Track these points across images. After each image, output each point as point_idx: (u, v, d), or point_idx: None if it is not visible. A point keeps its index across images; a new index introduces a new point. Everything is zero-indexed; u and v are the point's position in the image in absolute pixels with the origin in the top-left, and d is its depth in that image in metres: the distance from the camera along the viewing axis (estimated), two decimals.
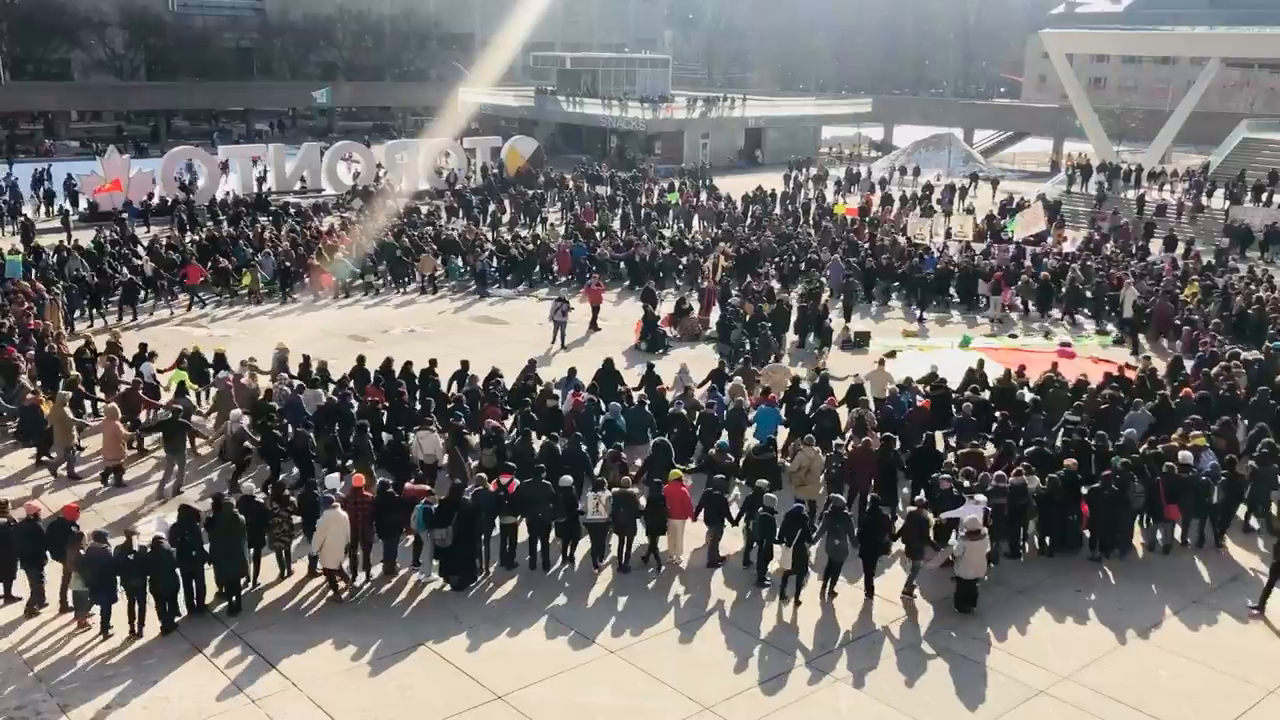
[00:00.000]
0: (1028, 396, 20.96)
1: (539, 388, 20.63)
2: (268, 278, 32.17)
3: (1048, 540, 16.79)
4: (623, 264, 35.15)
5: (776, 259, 35.16)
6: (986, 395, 20.94)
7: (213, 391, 21.32)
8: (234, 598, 14.74)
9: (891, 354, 26.19)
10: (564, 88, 77.06)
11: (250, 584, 15.26)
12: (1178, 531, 17.21)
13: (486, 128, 70.74)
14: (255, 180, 49.41)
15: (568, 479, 16.20)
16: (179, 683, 13.12)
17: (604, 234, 39.78)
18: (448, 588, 15.44)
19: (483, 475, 16.40)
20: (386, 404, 19.84)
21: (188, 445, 18.90)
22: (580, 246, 36.21)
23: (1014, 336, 29.36)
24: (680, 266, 34.88)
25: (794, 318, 28.19)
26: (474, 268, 34.24)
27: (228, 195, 46.09)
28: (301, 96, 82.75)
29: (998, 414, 19.78)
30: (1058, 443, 18.62)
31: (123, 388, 21.17)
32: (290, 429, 18.70)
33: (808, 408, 20.34)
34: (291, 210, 43.29)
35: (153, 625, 14.13)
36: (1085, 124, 59.59)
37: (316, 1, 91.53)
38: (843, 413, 20.08)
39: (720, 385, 21.18)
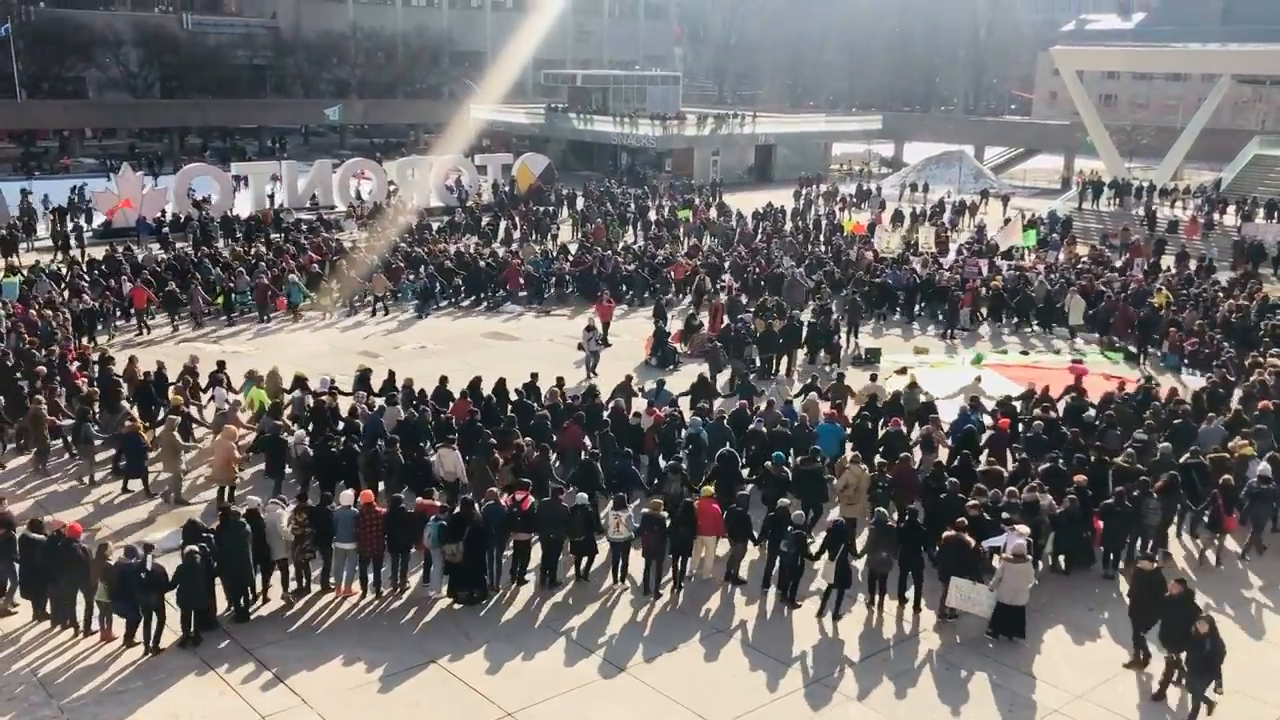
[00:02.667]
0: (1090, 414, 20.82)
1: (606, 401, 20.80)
2: (246, 299, 31.59)
3: (1062, 559, 16.71)
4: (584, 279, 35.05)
5: (742, 273, 35.05)
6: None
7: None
8: (240, 605, 14.84)
9: (903, 370, 26.12)
10: (575, 105, 77.37)
11: (260, 599, 15.30)
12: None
13: (498, 144, 71.06)
14: (268, 197, 49.71)
15: (583, 496, 16.20)
16: (189, 698, 13.14)
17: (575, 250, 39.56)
18: (457, 605, 15.44)
19: (494, 490, 16.42)
20: (476, 418, 19.80)
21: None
22: (538, 262, 35.98)
23: (1025, 354, 29.29)
24: (651, 282, 34.79)
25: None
26: (415, 287, 33.35)
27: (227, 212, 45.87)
28: (314, 114, 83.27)
29: (1067, 432, 19.53)
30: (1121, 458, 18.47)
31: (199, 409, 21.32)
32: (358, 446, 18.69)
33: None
34: (304, 227, 43.56)
35: (169, 640, 14.19)
36: (1096, 140, 59.53)
37: (329, 19, 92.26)
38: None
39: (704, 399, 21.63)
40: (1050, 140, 77.14)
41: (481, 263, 35.75)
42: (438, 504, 16.09)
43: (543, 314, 33.37)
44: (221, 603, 14.88)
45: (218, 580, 14.67)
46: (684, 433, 19.53)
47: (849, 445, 19.26)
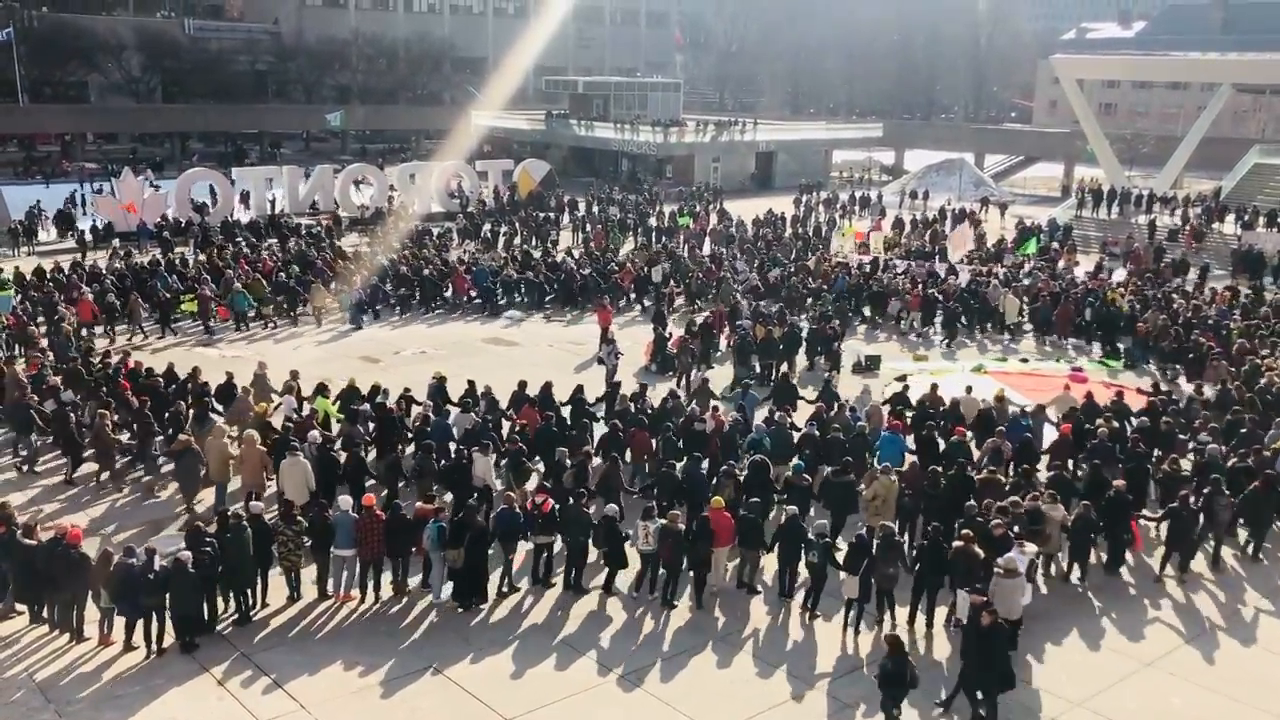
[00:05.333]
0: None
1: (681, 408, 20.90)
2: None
3: (1076, 566, 16.63)
4: (524, 284, 35.03)
5: (687, 278, 35.19)
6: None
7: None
8: (242, 608, 14.87)
9: (903, 378, 26.11)
10: (576, 111, 77.41)
11: (259, 604, 15.29)
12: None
13: (499, 151, 71.14)
14: (269, 202, 49.79)
15: (612, 507, 16.19)
16: (187, 703, 13.12)
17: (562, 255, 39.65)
18: (460, 609, 15.43)
19: (511, 495, 16.40)
20: (551, 424, 19.78)
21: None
22: (483, 270, 35.44)
23: (1025, 361, 29.31)
24: (603, 286, 34.86)
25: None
26: (352, 297, 32.42)
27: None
28: (316, 119, 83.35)
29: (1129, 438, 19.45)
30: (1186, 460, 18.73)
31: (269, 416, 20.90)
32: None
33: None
34: (303, 231, 43.61)
35: (169, 642, 14.21)
36: (1096, 149, 59.61)
37: (331, 25, 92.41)
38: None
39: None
40: (1050, 148, 77.29)
41: (426, 270, 35.18)
42: (434, 508, 16.08)
43: (543, 319, 33.40)
44: (223, 604, 14.92)
45: (216, 586, 14.72)
46: (747, 438, 19.47)
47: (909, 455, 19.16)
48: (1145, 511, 17.57)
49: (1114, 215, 50.81)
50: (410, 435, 19.77)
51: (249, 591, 15.05)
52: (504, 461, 18.89)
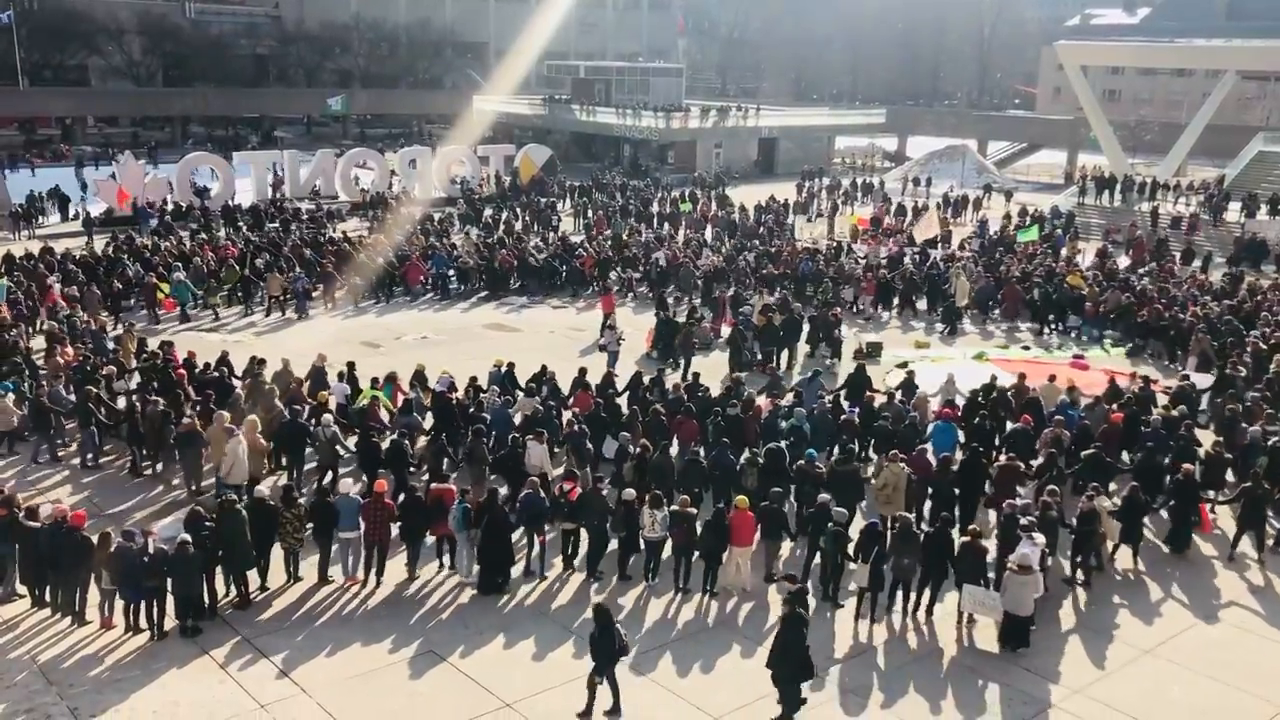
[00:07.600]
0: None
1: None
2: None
3: (1127, 550, 16.65)
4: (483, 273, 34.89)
5: (643, 267, 35.24)
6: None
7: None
8: (242, 592, 14.92)
9: (904, 365, 26.09)
10: (578, 96, 77.19)
11: (260, 589, 15.31)
12: None
13: (501, 136, 70.96)
14: (270, 187, 49.71)
15: (630, 492, 16.17)
16: (189, 687, 13.16)
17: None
18: (464, 596, 15.44)
19: (535, 480, 16.46)
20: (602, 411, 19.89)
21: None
22: (440, 257, 35.12)
23: (1026, 349, 29.27)
24: (561, 272, 34.87)
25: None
26: (293, 287, 31.63)
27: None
28: (317, 103, 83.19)
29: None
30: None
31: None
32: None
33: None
34: (304, 216, 43.55)
35: (170, 625, 14.26)
36: (1100, 136, 59.42)
37: (333, 9, 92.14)
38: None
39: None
40: (1054, 136, 76.96)
41: (381, 260, 34.59)
42: (455, 489, 16.09)
43: (543, 305, 33.39)
44: (223, 587, 14.97)
45: (217, 571, 14.76)
46: (787, 424, 19.37)
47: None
48: (1220, 495, 17.77)
49: (1117, 203, 50.75)
50: (464, 421, 19.70)
51: (248, 575, 15.06)
52: (563, 445, 19.07)
